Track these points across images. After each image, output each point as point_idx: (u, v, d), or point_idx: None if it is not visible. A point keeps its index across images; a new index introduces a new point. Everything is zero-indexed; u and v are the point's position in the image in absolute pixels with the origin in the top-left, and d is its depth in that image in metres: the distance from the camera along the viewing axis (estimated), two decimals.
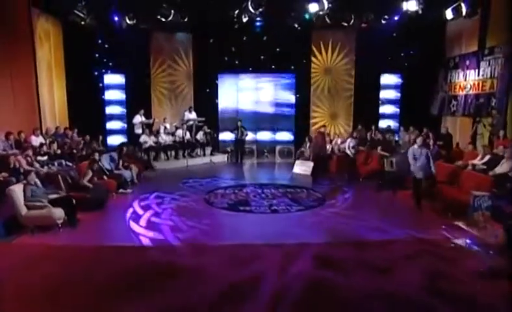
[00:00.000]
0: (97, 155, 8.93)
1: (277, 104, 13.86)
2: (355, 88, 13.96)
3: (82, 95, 12.15)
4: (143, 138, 12.00)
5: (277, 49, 13.32)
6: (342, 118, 14.38)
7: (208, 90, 13.96)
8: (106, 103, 13.27)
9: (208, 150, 13.20)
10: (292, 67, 13.81)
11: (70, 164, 8.65)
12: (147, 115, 12.73)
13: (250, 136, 13.50)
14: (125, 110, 13.42)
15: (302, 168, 11.36)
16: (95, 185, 7.70)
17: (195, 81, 13.95)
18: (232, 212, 7.49)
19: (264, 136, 13.86)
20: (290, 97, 13.90)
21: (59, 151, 9.31)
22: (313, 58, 13.87)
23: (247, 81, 13.85)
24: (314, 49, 13.90)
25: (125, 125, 13.38)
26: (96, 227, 6.71)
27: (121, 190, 8.92)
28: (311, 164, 11.05)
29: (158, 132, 12.60)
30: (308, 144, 11.99)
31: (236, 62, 13.67)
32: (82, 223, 6.71)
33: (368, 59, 13.20)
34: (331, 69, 14.00)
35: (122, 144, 10.34)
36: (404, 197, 8.11)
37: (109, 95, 13.28)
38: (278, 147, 13.51)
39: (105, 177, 8.75)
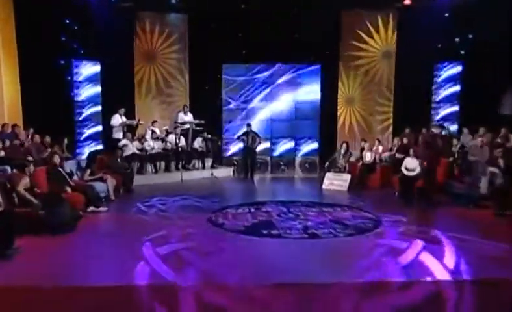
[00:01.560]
0: (56, 158, 7.31)
1: (297, 105, 12.84)
2: (398, 82, 12.82)
3: (43, 88, 10.75)
4: (124, 143, 10.54)
5: (296, 35, 12.53)
6: (379, 121, 13.32)
7: (207, 87, 13.15)
8: (75, 98, 12.07)
9: (209, 162, 12.02)
10: (316, 57, 12.85)
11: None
12: (130, 116, 11.51)
13: (263, 144, 12.37)
14: (100, 109, 12.19)
15: (335, 182, 10.11)
16: (47, 198, 5.99)
17: (193, 74, 13.16)
18: (252, 237, 6.09)
19: (281, 145, 12.87)
20: (314, 96, 12.78)
21: (2, 153, 7.67)
22: (343, 46, 13.07)
23: (258, 75, 12.88)
24: (344, 33, 13.07)
25: (100, 128, 12.17)
26: (42, 258, 5.09)
27: (91, 208, 7.30)
28: (347, 176, 9.91)
29: (143, 137, 11.38)
30: (342, 152, 10.47)
31: (244, 52, 12.96)
32: (23, 254, 5.08)
33: (414, 45, 11.81)
34: (365, 59, 13.07)
35: (96, 151, 8.90)
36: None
37: (80, 89, 12.15)
38: (298, 159, 12.64)
39: (68, 189, 7.10)
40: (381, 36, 12.99)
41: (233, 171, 12.29)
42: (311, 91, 12.75)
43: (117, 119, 11.14)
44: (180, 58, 13.24)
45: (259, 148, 12.17)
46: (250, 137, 11.77)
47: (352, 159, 10.68)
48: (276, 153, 12.80)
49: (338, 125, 13.23)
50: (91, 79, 12.26)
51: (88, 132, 12.17)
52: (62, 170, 7.52)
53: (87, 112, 12.20)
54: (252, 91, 12.83)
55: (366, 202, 8.44)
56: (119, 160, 9.56)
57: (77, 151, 11.70)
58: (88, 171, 8.37)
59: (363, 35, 13.01)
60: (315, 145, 12.77)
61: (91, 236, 6.16)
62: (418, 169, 8.68)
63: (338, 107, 13.28)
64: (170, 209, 7.66)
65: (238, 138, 12.02)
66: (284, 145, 12.82)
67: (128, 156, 10.57)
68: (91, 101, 12.26)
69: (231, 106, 12.89)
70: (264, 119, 12.80)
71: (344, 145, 10.65)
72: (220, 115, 12.86)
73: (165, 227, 6.50)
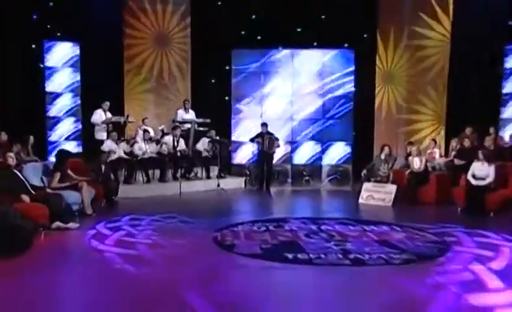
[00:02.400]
0: (11, 159, 6.42)
1: (325, 100, 12.11)
2: (453, 74, 12.05)
3: (7, 76, 10.26)
4: (107, 145, 9.85)
5: (323, 16, 12.30)
6: (429, 121, 12.50)
7: (214, 80, 12.95)
8: (47, 88, 11.55)
9: (215, 170, 11.27)
10: (348, 42, 12.40)
11: None
12: (117, 111, 10.93)
13: (282, 148, 11.80)
14: (78, 102, 11.66)
15: (376, 194, 9.34)
16: None
17: (196, 62, 12.82)
18: (273, 262, 5.19)
19: (304, 149, 12.23)
20: (346, 89, 12.05)
21: None
22: (381, 27, 12.59)
23: (275, 64, 12.21)
24: (382, 13, 12.50)
25: (79, 126, 11.64)
26: None
27: (57, 224, 6.40)
28: (392, 188, 9.15)
29: (134, 138, 10.74)
30: (383, 157, 9.65)
31: (259, 37, 12.57)
32: None
33: (473, 27, 11.02)
34: (410, 46, 12.46)
35: (68, 151, 8.59)
36: None
37: (53, 77, 11.57)
38: (326, 167, 12.08)
39: (25, 198, 6.19)
40: (432, 15, 12.24)
41: (245, 182, 11.74)
42: (342, 83, 12.08)
43: (100, 116, 10.50)
44: (181, 42, 12.87)
45: (277, 154, 11.62)
46: (266, 140, 11.05)
47: (396, 166, 9.91)
48: (298, 160, 12.20)
49: (376, 124, 12.66)
50: (68, 65, 11.72)
51: (62, 130, 11.58)
52: (19, 174, 6.57)
53: (62, 105, 11.61)
54: (267, 82, 12.25)
55: (420, 220, 7.48)
56: (103, 166, 8.76)
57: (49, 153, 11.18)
58: (57, 176, 7.41)
59: (408, 16, 12.34)
60: (347, 149, 12.11)
61: (42, 263, 5.12)
62: (490, 177, 7.58)
63: (377, 98, 12.73)
64: (141, 234, 6.45)
65: (252, 140, 11.32)
66: (308, 150, 12.23)
67: (114, 161, 9.84)
68: (68, 91, 11.70)
69: (243, 102, 12.26)
70: (283, 117, 12.19)
71: (386, 148, 9.87)
72: (229, 112, 12.26)
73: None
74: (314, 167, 12.08)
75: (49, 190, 7.02)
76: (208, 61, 12.47)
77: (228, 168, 12.03)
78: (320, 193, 11.17)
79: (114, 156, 9.85)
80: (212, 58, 12.39)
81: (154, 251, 5.51)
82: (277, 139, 11.17)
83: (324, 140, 12.13)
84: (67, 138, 11.62)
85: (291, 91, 12.13)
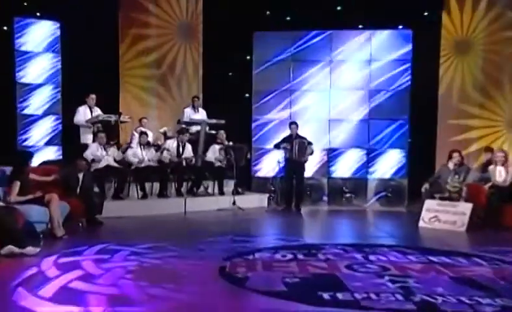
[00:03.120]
0: None
1: (372, 97, 11.69)
2: None
3: None
4: (91, 151, 9.41)
5: None
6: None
7: (231, 73, 13.01)
8: (18, 79, 11.12)
9: (230, 184, 10.77)
10: (404, 21, 12.02)
11: None
12: (108, 108, 10.38)
13: (316, 155, 11.40)
14: (58, 96, 11.25)
15: (444, 215, 8.52)
16: None
17: (208, 51, 12.63)
18: (301, 305, 4.31)
19: (345, 158, 11.80)
20: (400, 81, 11.63)
21: None
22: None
23: (308, 50, 11.87)
24: None
25: (59, 126, 11.25)
26: None
27: (9, 248, 5.72)
28: (466, 207, 8.33)
29: (128, 143, 10.49)
30: (452, 166, 8.98)
31: (288, 18, 12.41)
32: None
33: None
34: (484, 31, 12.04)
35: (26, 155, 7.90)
36: None
37: (26, 64, 11.22)
38: (373, 181, 11.71)
39: None
40: None
41: (268, 200, 11.19)
42: (395, 74, 11.66)
43: (84, 114, 10.00)
44: (190, 24, 12.77)
45: (310, 163, 11.07)
46: (296, 145, 10.42)
47: (470, 179, 9.06)
48: (337, 172, 11.80)
49: (439, 125, 12.11)
50: (45, 49, 11.34)
51: (40, 132, 11.14)
52: None
53: (40, 100, 11.17)
54: (299, 74, 11.91)
55: (509, 249, 6.63)
56: (81, 176, 8.11)
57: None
58: (17, 186, 6.79)
59: None
60: (401, 159, 11.67)
61: None
62: None
63: (441, 88, 12.16)
64: (104, 277, 5.09)
65: (277, 146, 10.73)
66: (351, 160, 11.81)
67: (100, 170, 9.26)
68: (46, 82, 11.33)
69: (266, 98, 11.98)
70: (318, 118, 11.81)
71: (456, 155, 9.13)
72: (249, 112, 11.96)
73: None
74: (357, 181, 11.70)
75: (0, 204, 6.31)
76: (224, 49, 12.20)
77: (247, 182, 11.69)
78: (366, 214, 10.72)
79: (100, 164, 9.27)
80: (228, 44, 12.09)
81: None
82: (310, 143, 10.56)
83: (371, 146, 11.69)
84: (47, 143, 11.20)
85: (329, 84, 11.75)
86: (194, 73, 12.85)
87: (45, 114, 11.21)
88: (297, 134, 10.46)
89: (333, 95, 11.64)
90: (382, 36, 11.54)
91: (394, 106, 11.42)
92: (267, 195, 11.15)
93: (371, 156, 11.58)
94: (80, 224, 7.71)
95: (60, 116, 11.14)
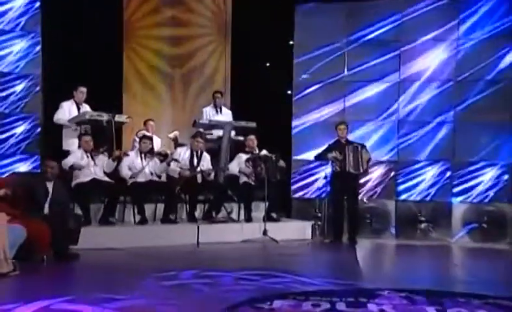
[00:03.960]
0: None
1: (460, 89, 10.80)
2: None
3: None
4: (71, 159, 8.87)
5: None
6: None
7: (269, 63, 12.61)
8: None
9: (260, 207, 10.10)
10: None
11: None
12: (105, 107, 9.84)
13: (378, 170, 10.88)
14: (37, 89, 10.80)
15: None
16: None
17: (237, 34, 12.60)
18: None
19: (421, 176, 11.05)
20: (501, 64, 10.73)
21: None
22: None
23: (370, 28, 11.28)
24: None
25: (37, 129, 10.79)
26: None
27: None
28: None
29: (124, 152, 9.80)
30: None
31: None
32: None
33: None
34: None
35: None
36: None
37: None
38: (460, 207, 10.84)
39: None
40: None
41: (313, 229, 10.46)
42: (495, 60, 10.76)
43: (69, 111, 9.53)
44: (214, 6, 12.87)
45: (370, 178, 10.68)
46: (349, 153, 9.68)
47: None
48: (409, 193, 11.02)
49: None
50: (20, 33, 10.83)
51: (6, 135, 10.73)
52: None
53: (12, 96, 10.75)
54: (357, 60, 11.25)
55: None
56: (50, 186, 7.46)
57: None
58: None
59: None
60: (501, 177, 10.86)
61: None
62: None
63: None
64: None
65: (320, 157, 10.04)
66: (428, 177, 11.00)
67: (85, 185, 8.65)
68: (21, 73, 10.83)
69: (311, 93, 11.42)
70: (382, 119, 11.12)
71: None
72: (288, 112, 11.35)
73: None
74: (438, 206, 10.86)
75: None
76: (260, 31, 11.69)
77: (285, 206, 11.02)
78: (449, 252, 9.87)
79: (84, 178, 8.65)
80: (264, 26, 11.60)
81: None
82: (367, 151, 9.75)
83: (457, 159, 10.80)
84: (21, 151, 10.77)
85: (398, 74, 11.01)
86: (219, 62, 12.63)
87: (18, 114, 10.82)
88: (347, 140, 9.72)
89: (404, 89, 10.94)
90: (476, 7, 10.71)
91: (494, 104, 10.52)
92: (311, 223, 10.44)
93: (459, 172, 10.77)
94: (44, 257, 6.92)
95: (38, 116, 10.75)
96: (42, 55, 10.82)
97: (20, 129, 10.66)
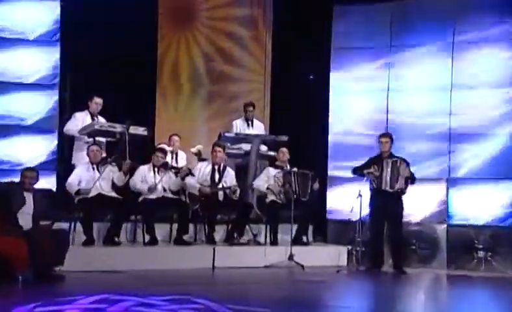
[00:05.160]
0: None
1: None
2: None
3: None
4: (77, 174, 8.35)
5: None
6: None
7: (312, 76, 11.89)
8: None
9: (286, 230, 9.23)
10: None
11: None
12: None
13: (426, 188, 9.83)
14: (56, 98, 10.25)
15: None
16: None
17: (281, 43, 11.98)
18: None
19: (476, 193, 10.00)
20: None
21: None
22: None
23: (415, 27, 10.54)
24: None
25: (55, 142, 10.17)
26: None
27: None
28: None
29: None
30: None
31: None
32: None
33: None
34: None
35: None
36: None
37: (14, 57, 10.32)
38: None
39: None
40: None
41: (349, 255, 9.49)
42: None
43: (82, 121, 9.01)
44: (253, 15, 12.19)
45: (416, 199, 9.54)
46: (387, 169, 8.76)
47: None
48: (464, 217, 9.98)
49: None
50: (39, 38, 10.44)
51: (31, 152, 10.07)
52: None
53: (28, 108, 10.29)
54: (400, 64, 10.46)
55: None
56: (30, 199, 6.86)
57: None
58: None
59: None
60: None
61: None
62: None
63: None
64: None
65: (357, 171, 9.21)
66: (488, 198, 9.93)
67: (89, 201, 8.05)
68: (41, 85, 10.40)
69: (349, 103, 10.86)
70: (429, 131, 10.14)
71: None
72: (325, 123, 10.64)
73: None
74: (500, 232, 9.68)
75: None
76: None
77: (321, 229, 10.24)
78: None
79: (90, 193, 8.06)
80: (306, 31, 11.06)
81: None
82: (406, 163, 8.77)
83: None
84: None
85: (449, 80, 9.98)
86: (261, 72, 12.04)
87: (37, 127, 10.34)
88: (390, 154, 8.77)
89: (457, 96, 9.93)
90: None
91: None
92: (347, 248, 9.49)
93: None
94: (19, 277, 6.23)
95: (56, 132, 10.22)
96: (60, 66, 10.46)
97: (38, 145, 10.33)
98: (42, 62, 10.41)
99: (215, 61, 12.02)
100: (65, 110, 10.14)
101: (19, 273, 6.26)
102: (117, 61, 10.68)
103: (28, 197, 6.74)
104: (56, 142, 10.15)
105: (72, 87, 10.67)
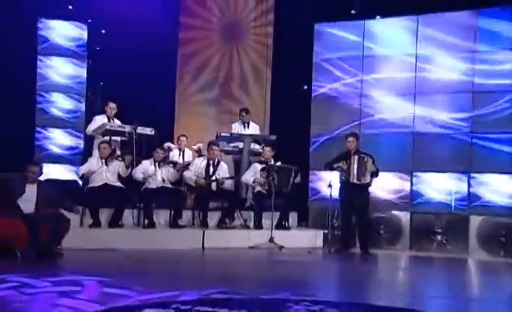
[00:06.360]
0: None
1: (477, 96, 8.54)
2: None
3: None
4: (87, 166, 7.78)
5: None
6: None
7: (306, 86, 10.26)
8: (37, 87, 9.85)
9: (275, 217, 8.32)
10: None
11: None
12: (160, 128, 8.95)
13: (393, 180, 8.88)
14: (82, 107, 9.90)
15: None
16: None
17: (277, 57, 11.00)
18: None
19: (435, 183, 8.82)
20: None
21: None
22: None
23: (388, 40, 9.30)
24: None
25: (81, 143, 9.83)
26: None
27: None
28: None
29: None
30: None
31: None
32: None
33: None
34: None
35: None
36: None
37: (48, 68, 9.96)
38: (477, 219, 8.46)
39: None
40: None
41: (325, 238, 8.50)
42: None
43: (99, 122, 8.36)
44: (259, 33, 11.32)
45: (385, 189, 8.69)
46: (354, 163, 7.88)
47: None
48: (424, 204, 8.82)
49: None
50: (67, 53, 10.03)
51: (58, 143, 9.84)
52: None
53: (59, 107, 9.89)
54: (371, 72, 9.22)
55: None
56: (34, 188, 6.25)
57: None
58: None
59: None
60: None
61: None
62: None
63: None
64: None
65: (329, 166, 8.26)
66: (444, 187, 8.70)
67: (96, 189, 7.49)
68: (68, 92, 9.95)
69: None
70: (396, 130, 8.98)
71: None
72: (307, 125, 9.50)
73: None
74: (454, 218, 8.47)
75: None
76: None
77: (305, 215, 9.24)
78: (465, 266, 7.68)
79: (96, 183, 7.48)
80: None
81: None
82: (372, 160, 7.89)
83: (473, 168, 8.42)
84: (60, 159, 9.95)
85: (413, 83, 8.83)
86: (259, 84, 11.10)
87: (65, 126, 10.00)
88: (357, 150, 7.88)
89: (419, 98, 8.80)
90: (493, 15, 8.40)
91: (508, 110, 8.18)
92: (322, 231, 8.51)
93: (473, 182, 8.42)
94: (18, 253, 5.70)
95: (82, 132, 9.82)
96: (88, 78, 10.17)
97: (64, 140, 9.97)
98: (73, 70, 10.03)
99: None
100: (91, 113, 9.48)
101: (18, 250, 5.72)
102: (139, 71, 9.99)
103: (32, 187, 6.17)
104: (82, 141, 9.78)
105: (97, 93, 10.19)
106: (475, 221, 8.03)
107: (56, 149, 9.81)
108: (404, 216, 8.48)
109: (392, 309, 3.93)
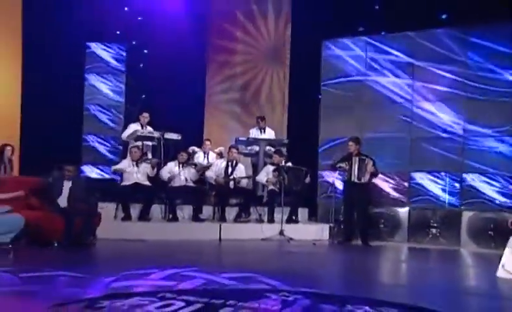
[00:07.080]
0: None
1: (467, 105, 8.10)
2: None
3: (48, 84, 9.01)
4: (121, 166, 7.70)
5: None
6: None
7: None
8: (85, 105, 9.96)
9: (282, 213, 7.91)
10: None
11: None
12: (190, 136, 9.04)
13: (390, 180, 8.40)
14: (121, 116, 9.84)
15: None
16: None
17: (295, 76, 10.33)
18: None
19: (431, 181, 8.29)
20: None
21: None
22: None
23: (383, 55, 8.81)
24: None
25: (120, 147, 9.67)
26: None
27: None
28: None
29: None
30: None
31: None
32: None
33: None
34: None
35: None
36: None
37: (92, 90, 10.03)
38: (468, 214, 7.89)
39: None
40: None
41: (331, 231, 8.07)
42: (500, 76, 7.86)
43: (132, 129, 8.30)
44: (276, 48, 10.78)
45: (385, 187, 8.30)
46: (355, 165, 7.47)
47: None
48: (421, 200, 8.30)
49: None
50: (109, 71, 9.98)
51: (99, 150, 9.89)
52: None
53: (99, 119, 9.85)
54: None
55: None
56: (68, 185, 6.14)
57: None
58: None
59: None
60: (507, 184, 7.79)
61: None
62: None
63: None
64: None
65: (333, 167, 7.91)
66: (438, 186, 8.19)
67: (128, 187, 7.43)
68: (108, 105, 9.89)
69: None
70: (396, 137, 8.46)
71: None
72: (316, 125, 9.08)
73: None
74: (448, 213, 7.95)
75: None
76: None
77: (313, 209, 8.86)
78: (457, 256, 7.15)
79: (128, 182, 7.40)
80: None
81: None
82: (372, 162, 7.48)
83: (464, 169, 7.88)
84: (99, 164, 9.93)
85: (410, 92, 8.40)
86: (280, 99, 10.64)
87: (104, 135, 9.97)
88: (358, 152, 7.49)
89: (414, 107, 8.31)
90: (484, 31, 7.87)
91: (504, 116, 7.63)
92: (328, 225, 8.09)
93: (465, 181, 7.88)
94: (55, 243, 5.66)
95: (119, 141, 9.77)
96: (126, 92, 10.08)
97: (107, 145, 9.94)
98: (114, 85, 10.01)
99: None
100: (129, 122, 9.24)
101: (54, 240, 5.70)
102: (172, 85, 9.79)
103: (67, 184, 6.06)
104: (121, 146, 9.66)
105: (135, 105, 9.91)
106: (466, 216, 7.54)
107: (99, 153, 9.77)
108: (403, 211, 8.06)
109: (365, 299, 3.58)
